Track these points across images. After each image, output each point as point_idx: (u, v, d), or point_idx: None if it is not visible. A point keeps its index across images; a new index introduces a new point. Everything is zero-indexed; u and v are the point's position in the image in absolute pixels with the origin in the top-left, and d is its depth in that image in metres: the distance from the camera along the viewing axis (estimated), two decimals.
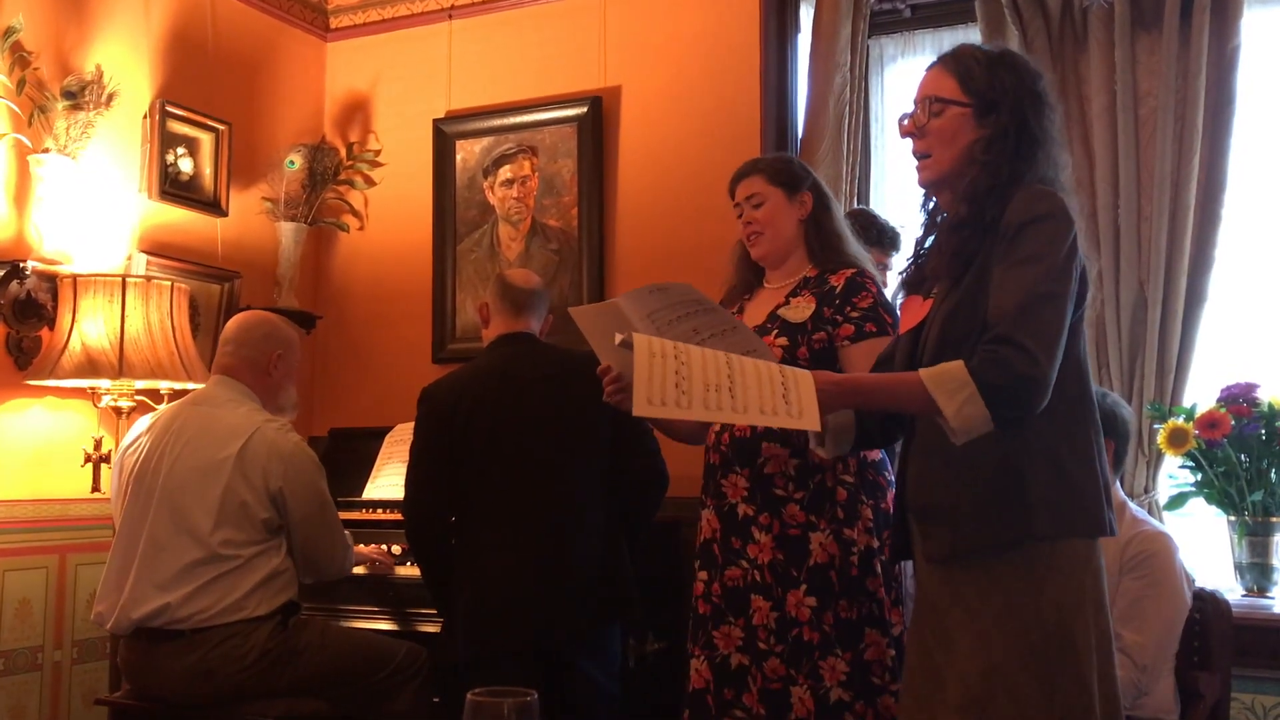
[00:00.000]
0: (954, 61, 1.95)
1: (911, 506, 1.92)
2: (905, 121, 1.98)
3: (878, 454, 2.47)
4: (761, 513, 2.41)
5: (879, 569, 2.37)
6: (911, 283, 2.03)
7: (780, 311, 2.48)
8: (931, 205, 2.03)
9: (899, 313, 2.10)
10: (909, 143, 1.98)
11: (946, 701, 1.84)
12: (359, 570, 3.19)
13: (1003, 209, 1.81)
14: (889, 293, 2.61)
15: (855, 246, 2.58)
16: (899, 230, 3.39)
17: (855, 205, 3.74)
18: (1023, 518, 1.77)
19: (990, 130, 1.87)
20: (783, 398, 1.74)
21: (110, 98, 3.47)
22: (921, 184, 1.99)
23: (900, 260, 3.39)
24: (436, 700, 2.94)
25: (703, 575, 2.50)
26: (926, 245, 2.02)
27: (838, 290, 2.45)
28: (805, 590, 2.35)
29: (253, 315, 3.07)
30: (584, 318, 2.14)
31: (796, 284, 2.52)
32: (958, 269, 1.86)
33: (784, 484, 2.40)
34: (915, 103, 1.96)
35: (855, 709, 2.30)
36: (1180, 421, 3.18)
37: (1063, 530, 1.78)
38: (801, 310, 2.45)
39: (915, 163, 1.97)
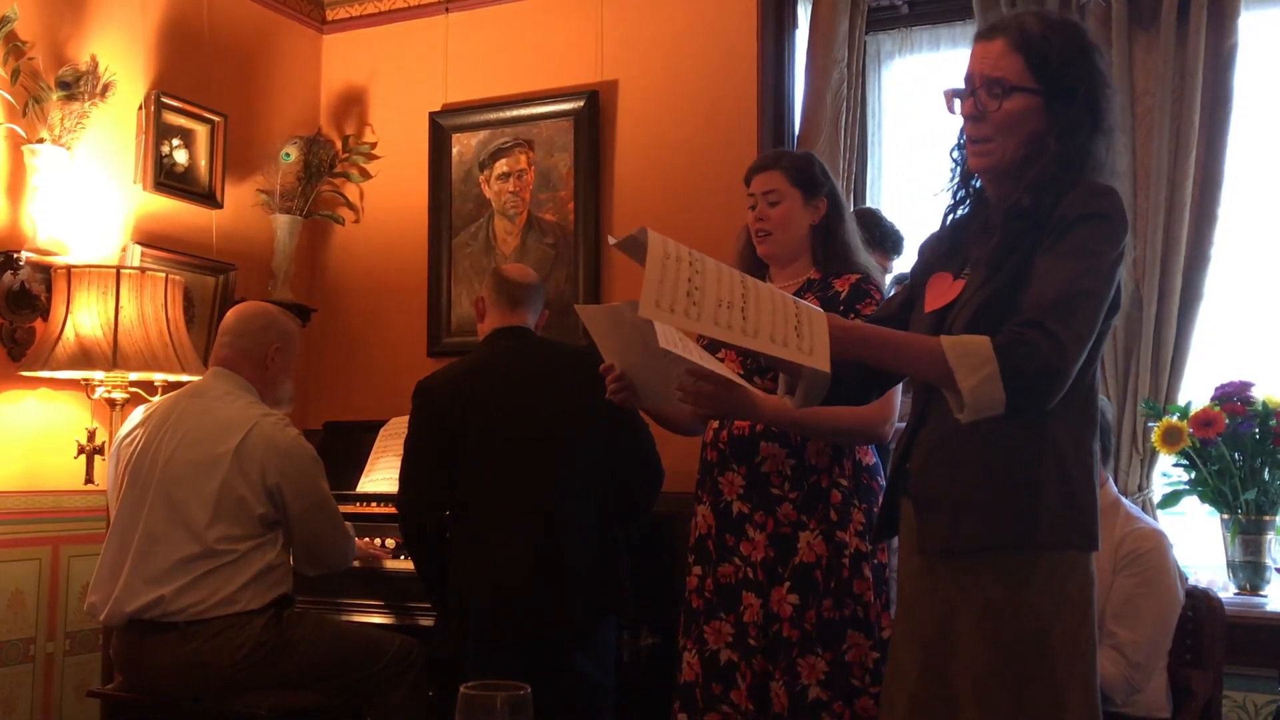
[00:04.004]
0: (1020, 38, 1.77)
1: (913, 495, 1.86)
2: (961, 102, 1.83)
3: (872, 458, 2.46)
4: (756, 511, 2.41)
5: (868, 573, 2.36)
6: (942, 257, 1.93)
7: None
8: (961, 178, 1.93)
9: (926, 289, 2.01)
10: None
11: (918, 697, 1.82)
12: (353, 563, 3.19)
13: (1060, 199, 1.72)
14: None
15: (864, 256, 2.56)
16: (903, 235, 3.38)
17: (854, 205, 3.73)
18: (1029, 523, 1.72)
19: (1063, 119, 1.75)
20: (795, 330, 1.64)
21: (105, 88, 3.46)
22: (977, 169, 1.85)
23: (901, 264, 3.38)
24: (430, 694, 2.94)
25: (696, 570, 2.50)
26: (955, 218, 1.94)
27: (842, 295, 2.43)
28: (788, 588, 2.35)
29: (252, 306, 3.05)
30: (590, 316, 2.13)
31: (800, 286, 2.50)
32: (1004, 257, 1.77)
33: (780, 483, 2.39)
34: (973, 79, 1.81)
35: (833, 709, 2.30)
36: (1174, 420, 3.19)
37: (1060, 541, 1.73)
38: None
39: (970, 145, 1.84)
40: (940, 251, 1.95)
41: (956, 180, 1.95)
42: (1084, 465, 1.77)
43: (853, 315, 2.37)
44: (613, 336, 2.09)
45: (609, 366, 2.18)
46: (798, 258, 2.54)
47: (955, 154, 1.94)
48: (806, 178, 2.52)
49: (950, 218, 1.97)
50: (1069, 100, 1.76)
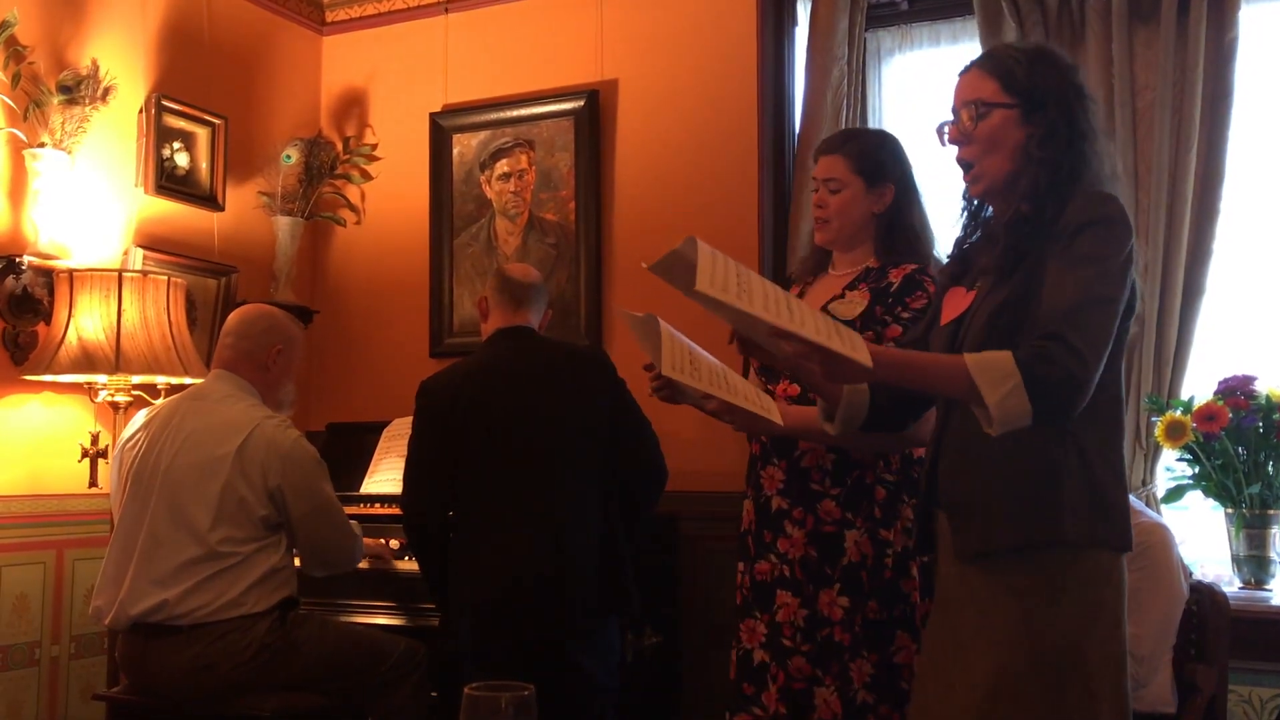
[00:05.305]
0: (992, 62, 1.92)
1: (943, 501, 1.90)
2: (947, 129, 1.94)
3: (922, 452, 2.42)
4: (795, 507, 2.34)
5: (915, 572, 2.29)
6: (955, 274, 2.01)
7: (832, 305, 2.37)
8: (974, 204, 2.01)
9: (943, 304, 2.04)
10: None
11: (952, 703, 1.83)
12: (361, 565, 3.18)
13: (1062, 207, 1.80)
14: None
15: (931, 243, 2.45)
16: None
17: None
18: (1054, 520, 1.76)
19: (1040, 128, 1.86)
20: (835, 331, 1.71)
21: (106, 92, 3.46)
22: (975, 195, 1.96)
23: None
24: (434, 695, 2.95)
25: (739, 566, 2.44)
26: (972, 239, 2.01)
27: (894, 287, 2.34)
28: (839, 590, 2.28)
29: (254, 308, 3.05)
30: (629, 320, 2.11)
31: (857, 275, 2.41)
32: (1010, 265, 1.84)
33: (820, 478, 2.33)
34: (955, 109, 1.93)
35: (879, 711, 2.24)
36: (1178, 414, 3.18)
37: (1087, 540, 1.77)
38: (854, 306, 2.34)
39: (965, 174, 1.94)
40: (953, 271, 2.03)
41: (967, 215, 2.03)
42: (1111, 465, 1.82)
43: (900, 308, 2.32)
44: (653, 339, 2.10)
45: (650, 365, 2.16)
46: (858, 245, 2.44)
47: (966, 194, 2.02)
48: (871, 164, 2.40)
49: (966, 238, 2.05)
50: (1040, 109, 1.87)
